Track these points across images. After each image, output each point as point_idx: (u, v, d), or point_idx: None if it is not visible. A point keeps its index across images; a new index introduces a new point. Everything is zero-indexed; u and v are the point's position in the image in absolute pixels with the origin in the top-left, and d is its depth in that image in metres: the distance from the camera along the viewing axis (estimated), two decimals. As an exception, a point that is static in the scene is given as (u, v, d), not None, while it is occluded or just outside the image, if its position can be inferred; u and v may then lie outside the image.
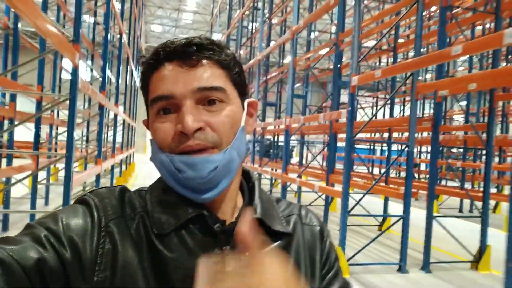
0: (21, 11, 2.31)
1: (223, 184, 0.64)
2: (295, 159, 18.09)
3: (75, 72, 3.82)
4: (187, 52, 0.63)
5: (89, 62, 10.59)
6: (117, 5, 7.65)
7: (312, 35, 11.30)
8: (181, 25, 27.91)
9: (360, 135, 9.87)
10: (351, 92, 4.56)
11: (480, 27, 8.97)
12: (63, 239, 0.57)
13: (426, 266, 5.03)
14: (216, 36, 17.77)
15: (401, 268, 4.92)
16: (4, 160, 6.23)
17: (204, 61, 0.64)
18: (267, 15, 10.62)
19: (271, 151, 12.06)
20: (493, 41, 2.75)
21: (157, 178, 0.70)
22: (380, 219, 7.37)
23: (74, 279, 0.56)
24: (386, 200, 7.35)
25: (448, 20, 5.14)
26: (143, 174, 14.25)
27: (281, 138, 10.12)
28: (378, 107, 5.21)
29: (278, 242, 0.69)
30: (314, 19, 6.05)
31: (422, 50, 8.81)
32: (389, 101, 7.29)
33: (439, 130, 5.00)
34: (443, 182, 10.72)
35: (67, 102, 3.90)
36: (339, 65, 6.39)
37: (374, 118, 5.70)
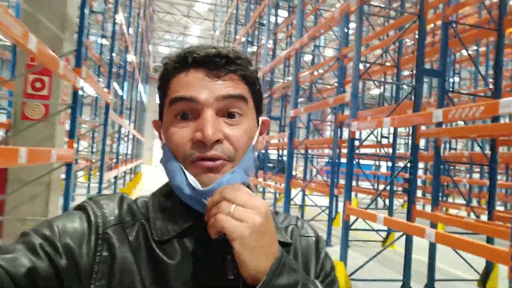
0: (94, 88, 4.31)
1: None
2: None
3: (107, 107, 5.86)
4: (216, 63, 0.64)
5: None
6: (132, 39, 9.71)
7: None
8: (186, 47, 30.32)
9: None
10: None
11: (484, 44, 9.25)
12: (58, 245, 0.57)
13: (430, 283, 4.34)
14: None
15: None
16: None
17: (231, 74, 0.65)
18: (265, 39, 12.52)
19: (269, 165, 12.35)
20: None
21: (163, 184, 0.71)
22: (384, 235, 7.17)
23: (69, 286, 0.56)
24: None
25: (452, 37, 4.99)
26: (150, 181, 16.04)
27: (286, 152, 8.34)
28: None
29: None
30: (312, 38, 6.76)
31: (427, 66, 8.76)
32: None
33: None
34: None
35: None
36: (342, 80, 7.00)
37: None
